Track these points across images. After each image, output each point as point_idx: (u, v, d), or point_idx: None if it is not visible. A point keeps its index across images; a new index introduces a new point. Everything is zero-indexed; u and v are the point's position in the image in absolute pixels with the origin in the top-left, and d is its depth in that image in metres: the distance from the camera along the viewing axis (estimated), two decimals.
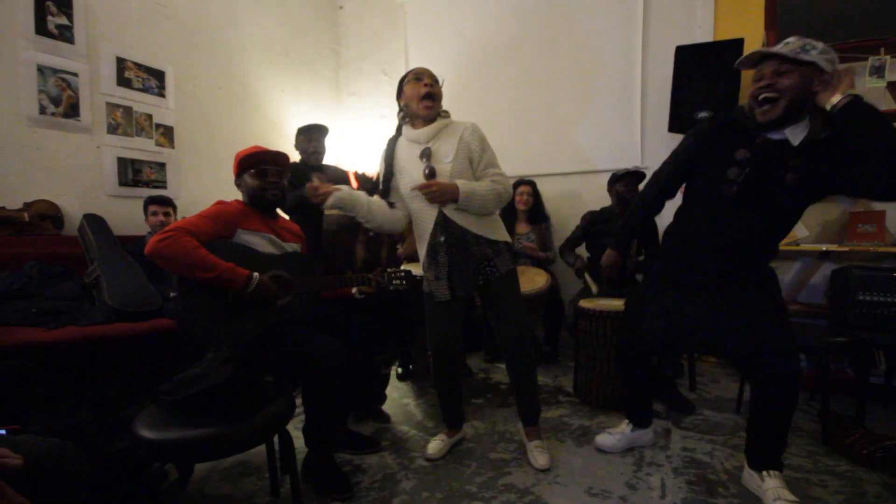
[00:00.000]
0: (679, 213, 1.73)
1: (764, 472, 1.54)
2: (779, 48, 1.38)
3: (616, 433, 1.90)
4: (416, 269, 1.87)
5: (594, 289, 2.66)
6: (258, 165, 1.68)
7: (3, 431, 0.88)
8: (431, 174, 1.65)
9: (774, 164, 1.44)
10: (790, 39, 1.39)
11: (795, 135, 1.42)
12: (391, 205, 1.76)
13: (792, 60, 1.35)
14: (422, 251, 1.77)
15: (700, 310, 1.59)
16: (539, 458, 1.77)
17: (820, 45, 1.36)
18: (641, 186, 2.74)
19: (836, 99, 1.31)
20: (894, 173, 1.25)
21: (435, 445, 1.85)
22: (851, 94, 1.30)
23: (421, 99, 1.66)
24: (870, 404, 2.06)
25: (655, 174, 1.77)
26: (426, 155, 1.66)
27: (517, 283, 1.79)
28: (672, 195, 1.77)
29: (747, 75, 2.78)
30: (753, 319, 1.50)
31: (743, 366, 1.69)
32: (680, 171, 1.69)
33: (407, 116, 1.73)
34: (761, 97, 1.40)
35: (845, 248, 2.52)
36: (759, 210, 1.48)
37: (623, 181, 2.73)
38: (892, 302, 2.18)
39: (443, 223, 1.69)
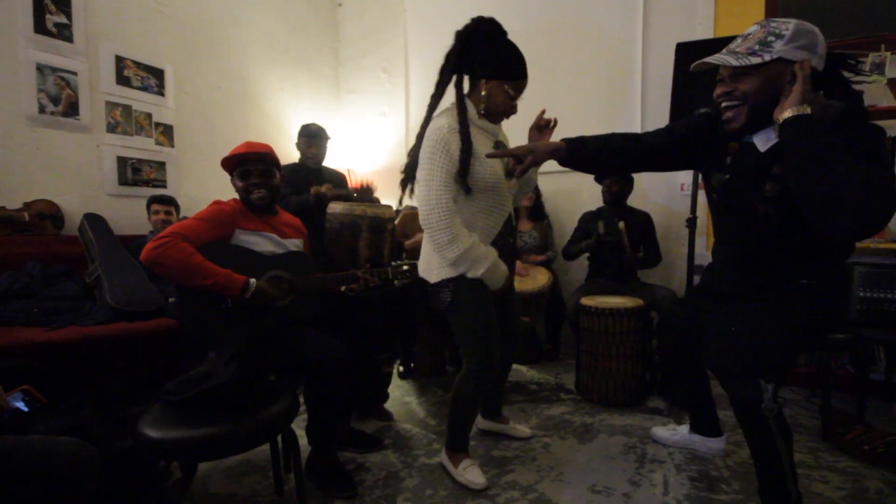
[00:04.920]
0: None
1: None
2: (727, 57, 1.16)
3: (673, 428, 1.94)
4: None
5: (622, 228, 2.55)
6: (242, 166, 1.65)
7: (21, 404, 0.87)
8: (513, 169, 1.55)
9: (754, 173, 1.26)
10: (751, 30, 1.17)
11: (764, 139, 1.23)
12: (468, 190, 1.51)
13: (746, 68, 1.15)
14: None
15: (720, 321, 1.46)
16: (524, 430, 1.99)
17: (789, 29, 1.12)
18: (630, 185, 2.74)
19: (784, 115, 1.08)
20: (818, 217, 1.06)
21: (478, 473, 1.65)
22: (795, 113, 1.07)
23: (508, 111, 1.59)
24: (870, 400, 2.06)
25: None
26: (503, 148, 1.62)
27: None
28: (649, 150, 1.48)
29: None
30: (737, 337, 1.33)
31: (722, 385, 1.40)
32: (670, 142, 1.46)
33: (484, 103, 1.55)
34: (723, 105, 1.24)
35: None
36: (743, 221, 1.32)
37: (606, 179, 2.71)
38: (892, 298, 2.19)
39: (509, 224, 1.63)
